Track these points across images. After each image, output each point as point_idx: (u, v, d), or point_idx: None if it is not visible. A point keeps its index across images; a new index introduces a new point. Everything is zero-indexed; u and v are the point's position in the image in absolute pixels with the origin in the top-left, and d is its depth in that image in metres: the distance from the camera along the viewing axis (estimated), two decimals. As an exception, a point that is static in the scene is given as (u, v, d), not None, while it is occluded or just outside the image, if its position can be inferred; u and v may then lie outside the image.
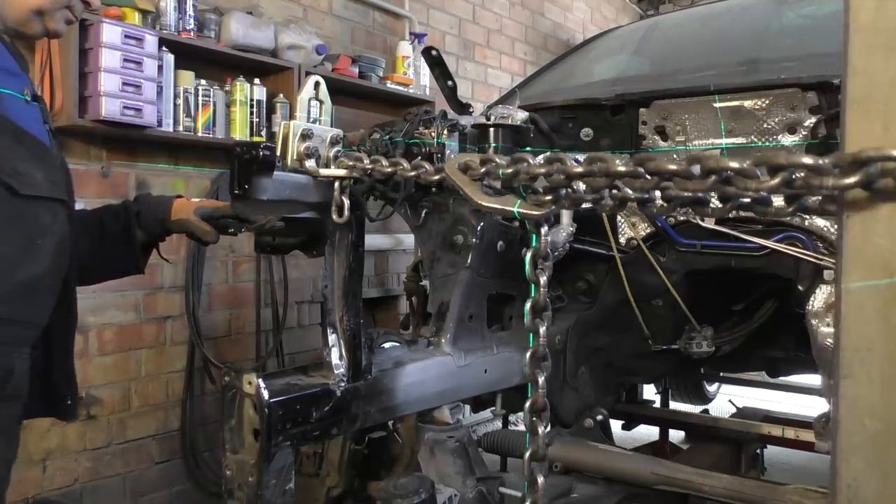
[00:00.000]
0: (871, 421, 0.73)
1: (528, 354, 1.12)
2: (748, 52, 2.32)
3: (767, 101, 2.00)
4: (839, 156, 0.72)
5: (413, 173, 1.32)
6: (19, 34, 1.31)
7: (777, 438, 2.88)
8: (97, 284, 2.79)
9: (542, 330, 1.13)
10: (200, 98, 2.96)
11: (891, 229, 0.71)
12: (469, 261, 1.95)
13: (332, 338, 1.60)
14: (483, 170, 1.12)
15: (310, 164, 1.46)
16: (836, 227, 0.79)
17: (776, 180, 0.78)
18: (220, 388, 1.59)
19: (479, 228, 1.95)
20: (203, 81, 2.99)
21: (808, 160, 0.76)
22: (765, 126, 2.01)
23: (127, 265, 1.57)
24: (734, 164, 0.81)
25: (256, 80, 3.18)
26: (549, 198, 1.04)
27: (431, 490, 1.78)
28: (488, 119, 2.09)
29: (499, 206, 1.08)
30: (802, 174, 0.76)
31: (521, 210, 1.06)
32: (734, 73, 2.23)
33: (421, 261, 2.51)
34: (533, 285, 1.12)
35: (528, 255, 1.11)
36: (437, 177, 1.26)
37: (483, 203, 1.11)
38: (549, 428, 1.14)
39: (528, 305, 1.12)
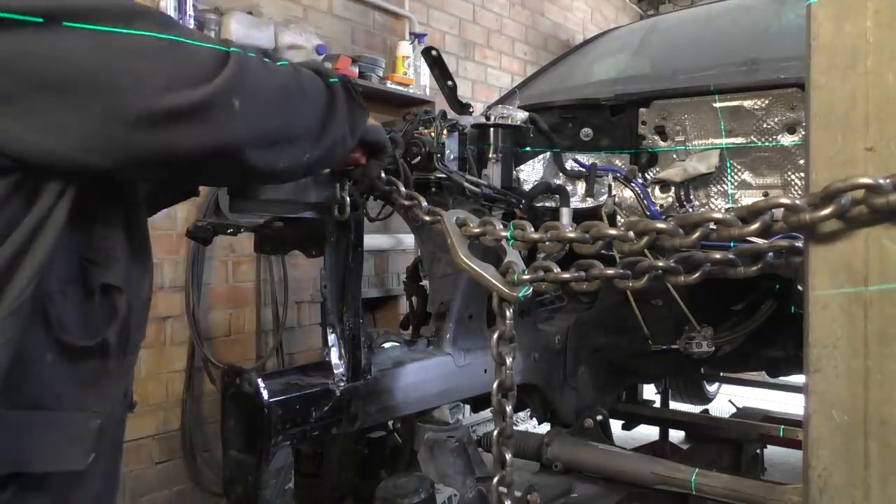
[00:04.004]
0: (838, 413, 0.77)
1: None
2: (748, 52, 2.32)
3: (767, 101, 2.00)
4: (812, 194, 0.77)
5: (407, 203, 1.34)
6: None
7: (777, 438, 2.88)
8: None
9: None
10: (200, 98, 2.96)
11: (851, 241, 0.76)
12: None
13: (332, 338, 1.60)
14: (477, 231, 1.13)
15: (309, 163, 1.46)
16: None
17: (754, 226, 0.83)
18: (220, 388, 1.59)
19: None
20: (203, 81, 2.99)
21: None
22: (764, 126, 2.01)
23: None
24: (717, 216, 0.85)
25: (256, 80, 3.18)
26: (527, 276, 1.05)
27: (431, 490, 1.78)
28: (488, 119, 2.09)
29: (477, 271, 1.09)
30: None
31: (497, 286, 1.07)
32: (734, 73, 2.23)
33: (421, 261, 2.51)
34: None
35: (494, 337, 1.12)
36: (428, 218, 1.28)
37: (463, 262, 1.11)
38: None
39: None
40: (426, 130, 1.92)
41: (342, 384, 1.58)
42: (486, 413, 3.17)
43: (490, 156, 2.05)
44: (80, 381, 0.91)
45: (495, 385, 1.13)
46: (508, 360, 1.12)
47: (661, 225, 0.90)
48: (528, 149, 2.20)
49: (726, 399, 4.11)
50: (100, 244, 0.93)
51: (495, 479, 1.15)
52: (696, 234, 0.87)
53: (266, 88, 0.94)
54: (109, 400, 0.97)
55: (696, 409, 4.03)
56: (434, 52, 2.17)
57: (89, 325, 0.91)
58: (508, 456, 1.14)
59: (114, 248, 0.95)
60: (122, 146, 0.82)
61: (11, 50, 0.75)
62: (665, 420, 3.33)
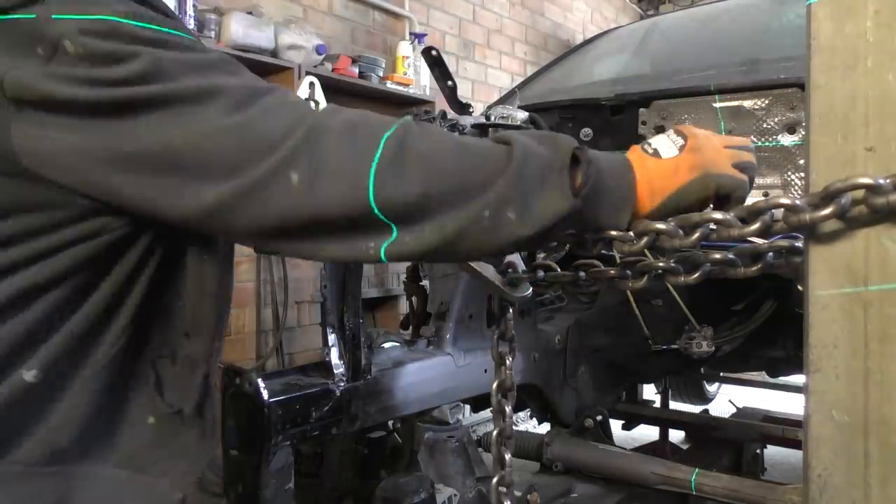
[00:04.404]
0: (838, 413, 0.76)
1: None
2: (748, 52, 2.32)
3: (767, 101, 2.00)
4: (812, 194, 0.77)
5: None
6: None
7: (777, 438, 2.88)
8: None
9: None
10: (200, 98, 2.96)
11: (851, 241, 0.76)
12: (469, 261, 1.95)
13: (332, 338, 1.60)
14: None
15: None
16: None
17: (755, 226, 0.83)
18: (220, 388, 1.59)
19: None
20: (203, 81, 2.99)
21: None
22: (764, 126, 2.01)
23: None
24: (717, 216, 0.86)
25: (256, 80, 3.18)
26: (527, 276, 1.06)
27: (431, 490, 1.78)
28: (488, 119, 2.09)
29: (477, 271, 1.09)
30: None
31: (497, 287, 1.07)
32: (734, 73, 2.23)
33: (421, 261, 2.51)
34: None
35: (494, 337, 1.12)
36: None
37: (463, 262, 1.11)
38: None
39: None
40: (426, 130, 1.92)
41: (342, 384, 1.58)
42: (486, 413, 3.17)
43: (490, 156, 2.05)
44: (172, 448, 0.93)
45: (495, 385, 1.13)
46: (508, 360, 1.12)
47: (660, 226, 0.89)
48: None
49: (726, 399, 4.11)
50: (194, 314, 0.93)
51: (494, 480, 1.15)
52: (696, 235, 0.87)
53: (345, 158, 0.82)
54: (194, 474, 0.99)
55: (696, 409, 4.03)
56: (434, 52, 2.17)
57: (182, 392, 0.93)
58: (508, 456, 1.14)
59: (205, 317, 0.95)
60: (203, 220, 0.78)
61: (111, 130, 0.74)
62: (665, 420, 3.33)
